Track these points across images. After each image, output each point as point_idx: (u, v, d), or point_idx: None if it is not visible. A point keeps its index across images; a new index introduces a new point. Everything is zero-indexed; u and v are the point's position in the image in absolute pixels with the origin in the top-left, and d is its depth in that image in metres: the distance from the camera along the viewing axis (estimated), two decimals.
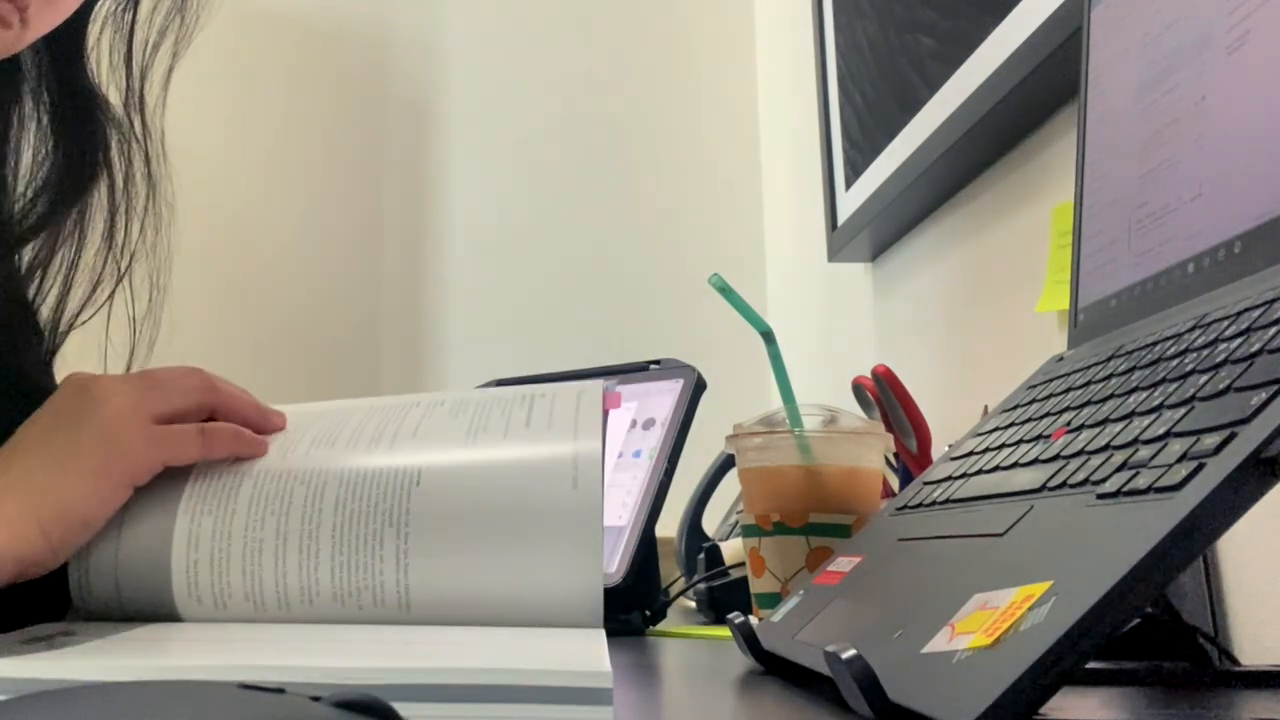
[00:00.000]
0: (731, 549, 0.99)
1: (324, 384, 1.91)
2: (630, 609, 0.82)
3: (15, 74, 0.73)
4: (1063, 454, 0.44)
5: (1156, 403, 0.41)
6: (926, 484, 0.58)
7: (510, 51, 2.12)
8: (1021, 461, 0.48)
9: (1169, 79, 0.54)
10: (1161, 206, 0.54)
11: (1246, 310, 0.42)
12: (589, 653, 0.42)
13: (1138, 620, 0.52)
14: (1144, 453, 0.38)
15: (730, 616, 0.58)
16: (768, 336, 0.75)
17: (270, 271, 2.00)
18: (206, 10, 0.75)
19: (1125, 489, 0.36)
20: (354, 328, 2.01)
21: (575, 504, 0.55)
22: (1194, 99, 0.52)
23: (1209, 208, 0.50)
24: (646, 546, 0.84)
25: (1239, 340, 0.40)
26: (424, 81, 2.11)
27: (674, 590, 1.04)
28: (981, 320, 1.17)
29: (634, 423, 0.92)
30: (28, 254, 0.73)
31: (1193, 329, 0.45)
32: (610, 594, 0.58)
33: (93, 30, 0.74)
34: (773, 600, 0.70)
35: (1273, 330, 0.38)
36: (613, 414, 0.62)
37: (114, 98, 0.75)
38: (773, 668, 0.54)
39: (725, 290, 0.74)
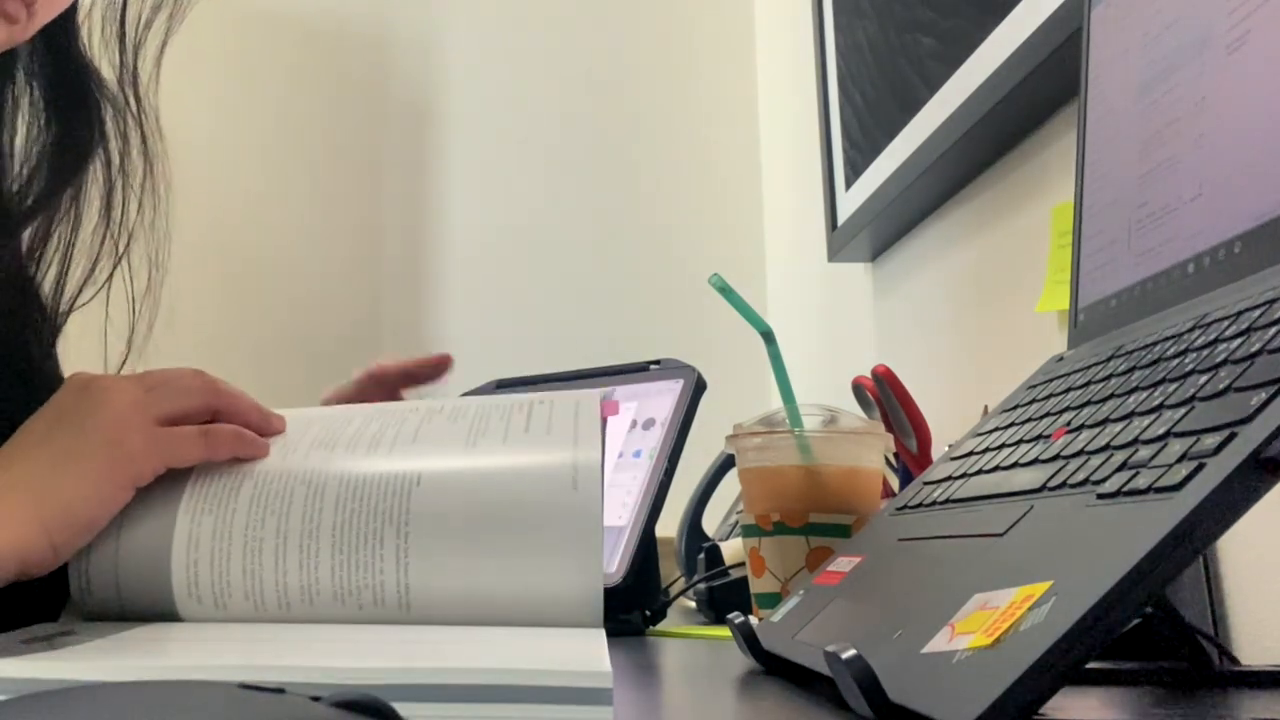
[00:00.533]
0: (731, 549, 0.99)
1: (324, 384, 1.90)
2: (630, 609, 0.82)
3: (8, 52, 0.71)
4: (1063, 454, 0.44)
5: (1156, 403, 0.41)
6: (926, 484, 0.58)
7: (510, 51, 2.12)
8: (1021, 461, 0.48)
9: (1169, 79, 0.54)
10: (1161, 206, 0.54)
11: (1246, 310, 0.42)
12: (589, 653, 0.42)
13: (1138, 620, 0.52)
14: (1144, 453, 0.38)
15: (730, 616, 0.58)
16: (768, 336, 0.75)
17: (270, 271, 2.00)
18: None
19: (1125, 489, 0.36)
20: (354, 327, 2.01)
21: (575, 504, 0.55)
22: (1194, 99, 0.52)
23: (1209, 208, 0.50)
24: (646, 546, 0.84)
25: (1239, 340, 0.40)
26: (424, 81, 2.11)
27: (674, 590, 1.04)
28: (981, 320, 1.17)
29: (634, 423, 0.92)
30: (25, 235, 0.72)
31: (1193, 329, 0.45)
32: (610, 594, 0.58)
33: (84, 4, 0.73)
34: (773, 600, 0.70)
35: (1272, 330, 0.38)
36: (611, 419, 0.62)
37: (107, 74, 0.74)
38: (773, 668, 0.54)
39: (725, 290, 0.74)
